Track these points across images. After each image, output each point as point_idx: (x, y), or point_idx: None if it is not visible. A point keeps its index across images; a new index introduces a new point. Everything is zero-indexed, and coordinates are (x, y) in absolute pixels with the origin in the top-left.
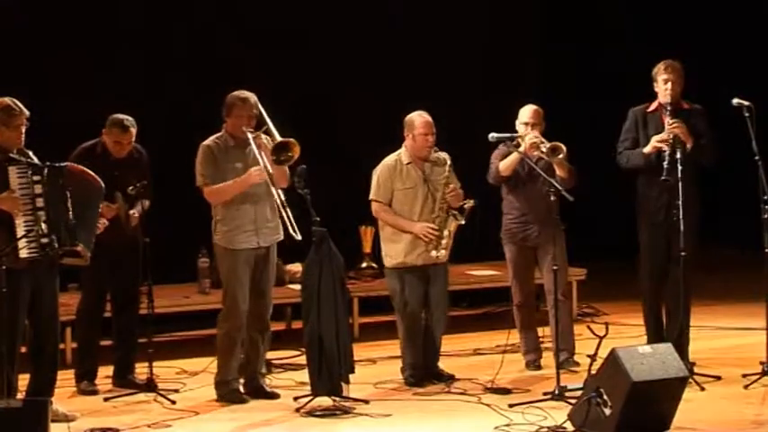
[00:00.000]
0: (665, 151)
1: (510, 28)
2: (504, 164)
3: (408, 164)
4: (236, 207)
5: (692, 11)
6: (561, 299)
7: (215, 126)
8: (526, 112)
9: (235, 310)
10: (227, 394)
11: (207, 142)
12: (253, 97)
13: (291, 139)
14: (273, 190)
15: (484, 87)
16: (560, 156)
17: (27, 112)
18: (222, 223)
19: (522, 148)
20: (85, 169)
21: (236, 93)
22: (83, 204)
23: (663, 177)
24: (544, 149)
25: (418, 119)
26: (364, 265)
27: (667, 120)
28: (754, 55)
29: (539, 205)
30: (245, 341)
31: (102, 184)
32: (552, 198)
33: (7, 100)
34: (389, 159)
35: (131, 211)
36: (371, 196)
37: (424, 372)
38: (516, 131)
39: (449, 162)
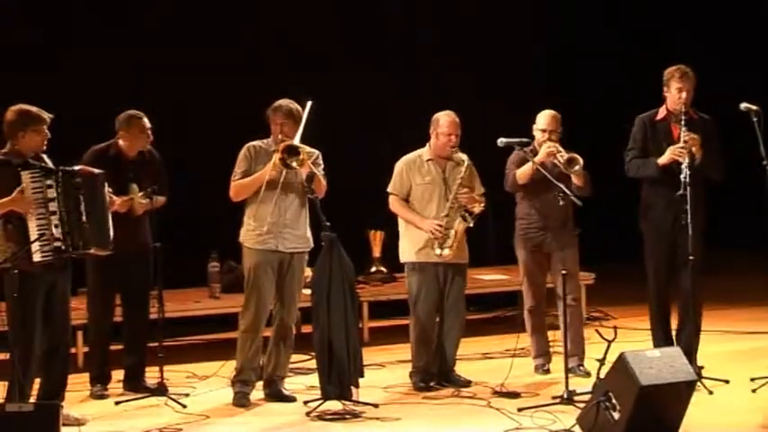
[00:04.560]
0: (681, 164)
1: (516, 29)
2: (521, 172)
3: (429, 160)
4: (259, 207)
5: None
6: (572, 304)
7: (225, 128)
8: (543, 119)
9: (251, 310)
10: (234, 395)
11: (251, 143)
12: (286, 105)
13: (302, 146)
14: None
15: (489, 91)
16: (576, 168)
17: (48, 120)
18: (247, 222)
19: (538, 157)
20: (84, 167)
21: (276, 102)
22: (92, 201)
23: (680, 193)
24: (561, 160)
25: (444, 118)
26: (374, 269)
27: (683, 131)
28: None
29: (553, 211)
30: (269, 345)
31: (99, 171)
32: (561, 203)
33: (28, 107)
34: (411, 155)
35: (142, 200)
36: (389, 189)
37: (433, 377)
38: (532, 137)
39: (466, 163)
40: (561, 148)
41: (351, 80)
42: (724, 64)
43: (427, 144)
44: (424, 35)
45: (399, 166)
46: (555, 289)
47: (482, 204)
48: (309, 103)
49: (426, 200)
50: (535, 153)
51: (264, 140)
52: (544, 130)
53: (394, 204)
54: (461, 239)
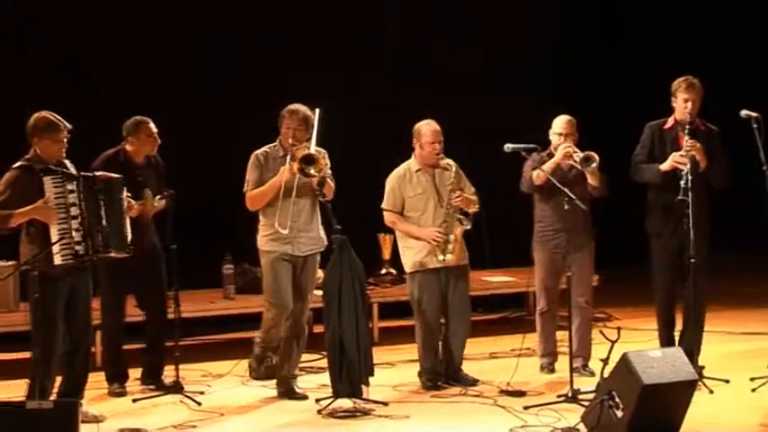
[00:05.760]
0: (682, 171)
1: (526, 32)
2: (537, 173)
3: (418, 171)
4: (272, 214)
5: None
6: (584, 306)
7: (237, 129)
8: (560, 123)
9: (270, 310)
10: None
11: (257, 151)
12: (303, 112)
13: (319, 155)
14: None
15: (500, 92)
16: (593, 165)
17: (69, 126)
18: (262, 229)
19: (555, 158)
20: (104, 173)
21: (290, 105)
22: (112, 205)
23: (679, 198)
24: (577, 159)
25: (425, 127)
26: (383, 271)
27: (686, 140)
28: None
29: (568, 214)
30: (281, 343)
31: (118, 176)
32: (566, 207)
33: (49, 115)
34: (400, 169)
35: (159, 203)
36: (383, 205)
37: (440, 376)
38: (549, 141)
39: (454, 168)
40: (577, 149)
41: (357, 81)
42: (726, 68)
43: (413, 155)
44: (428, 35)
45: (390, 182)
46: (568, 289)
47: (476, 204)
48: (317, 111)
49: (421, 210)
50: (551, 156)
51: (270, 146)
52: (561, 134)
53: (390, 220)
54: (461, 242)
